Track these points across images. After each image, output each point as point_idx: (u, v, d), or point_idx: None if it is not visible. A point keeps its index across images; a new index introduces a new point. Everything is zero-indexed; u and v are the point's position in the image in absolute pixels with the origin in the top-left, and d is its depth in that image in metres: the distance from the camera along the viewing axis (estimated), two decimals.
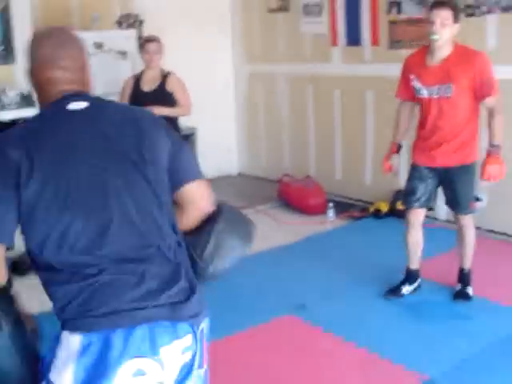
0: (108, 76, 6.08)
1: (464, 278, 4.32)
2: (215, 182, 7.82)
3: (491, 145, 3.90)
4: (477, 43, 5.30)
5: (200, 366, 1.91)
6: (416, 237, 4.31)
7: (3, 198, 1.75)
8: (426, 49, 4.04)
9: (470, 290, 4.29)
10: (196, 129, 7.19)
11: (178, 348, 1.81)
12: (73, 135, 1.85)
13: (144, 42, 5.46)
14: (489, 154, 3.91)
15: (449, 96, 3.93)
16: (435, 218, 5.81)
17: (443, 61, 3.93)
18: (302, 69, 7.14)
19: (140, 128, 1.91)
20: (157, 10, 7.22)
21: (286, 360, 3.66)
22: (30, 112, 5.78)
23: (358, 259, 5.10)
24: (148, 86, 5.37)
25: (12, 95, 5.71)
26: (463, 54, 3.91)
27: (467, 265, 4.31)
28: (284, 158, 7.63)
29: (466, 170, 4.09)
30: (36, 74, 2.02)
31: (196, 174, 2.05)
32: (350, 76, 6.57)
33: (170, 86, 5.37)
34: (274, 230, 6.08)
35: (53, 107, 1.92)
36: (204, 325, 1.98)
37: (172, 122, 5.39)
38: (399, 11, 5.90)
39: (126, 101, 5.38)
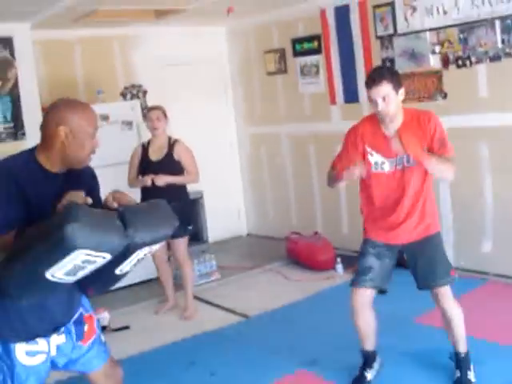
0: (115, 146, 6.24)
1: (462, 363, 3.86)
2: (224, 244, 7.94)
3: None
4: (469, 93, 5.49)
5: None
6: (366, 318, 3.88)
7: None
8: (375, 118, 3.67)
9: (471, 376, 3.82)
10: (203, 192, 7.33)
11: None
12: None
13: (147, 111, 5.62)
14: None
15: (409, 165, 3.61)
16: None
17: (399, 130, 3.60)
18: (303, 128, 7.31)
19: None
20: (159, 79, 7.48)
21: None
22: None
23: None
24: (156, 155, 5.42)
25: None
26: (415, 118, 3.62)
27: (462, 348, 3.86)
28: (291, 216, 7.73)
29: (433, 239, 3.77)
30: None
31: None
32: None
33: (177, 154, 5.41)
34: (284, 287, 6.15)
35: None
36: None
37: (180, 189, 5.50)
38: (392, 67, 6.09)
39: (134, 169, 5.49)
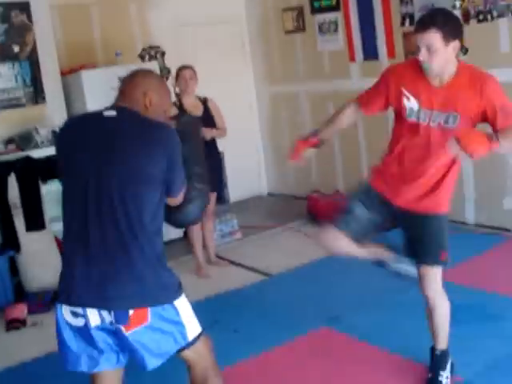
0: None
1: (436, 363, 3.46)
2: (245, 204, 7.99)
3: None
4: (490, 48, 5.42)
5: None
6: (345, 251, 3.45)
7: None
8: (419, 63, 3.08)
9: (444, 377, 3.42)
10: (223, 153, 7.34)
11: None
12: (91, 130, 2.62)
13: (179, 70, 5.60)
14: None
15: (451, 127, 3.05)
16: (463, 223, 5.88)
17: (447, 84, 3.07)
18: (323, 86, 7.27)
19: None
20: (177, 40, 7.45)
21: (323, 371, 3.75)
22: None
23: None
24: (195, 111, 5.49)
25: (44, 133, 5.92)
26: (470, 78, 3.05)
27: (440, 345, 3.44)
28: (312, 175, 7.74)
29: (436, 220, 3.27)
30: None
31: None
32: None
33: (211, 110, 5.61)
34: (305, 246, 6.18)
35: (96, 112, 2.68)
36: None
37: (214, 143, 5.68)
38: (412, 23, 6.01)
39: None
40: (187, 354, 2.68)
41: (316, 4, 7.08)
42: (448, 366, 3.45)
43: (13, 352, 4.54)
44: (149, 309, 2.49)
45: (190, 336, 2.65)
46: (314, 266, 5.57)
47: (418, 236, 3.31)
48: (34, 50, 6.08)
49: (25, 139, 5.82)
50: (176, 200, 2.77)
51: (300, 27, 7.39)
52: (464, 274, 4.81)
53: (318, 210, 6.82)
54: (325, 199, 6.91)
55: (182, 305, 2.66)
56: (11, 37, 5.96)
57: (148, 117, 2.64)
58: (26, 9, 6.00)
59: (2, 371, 4.21)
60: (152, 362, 2.57)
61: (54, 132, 5.98)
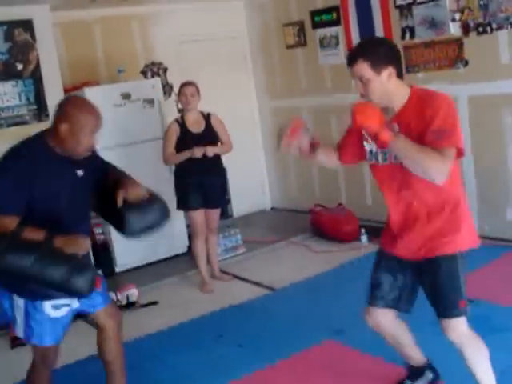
0: (137, 124, 6.33)
1: None
2: (249, 218, 8.00)
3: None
4: (490, 60, 5.45)
5: None
6: (392, 333, 3.34)
7: None
8: None
9: None
10: (226, 167, 7.36)
11: None
12: None
13: (181, 87, 5.60)
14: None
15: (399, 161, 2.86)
16: None
17: (397, 114, 2.86)
18: (324, 100, 7.30)
19: None
20: (179, 56, 7.51)
21: (328, 383, 3.76)
22: None
23: None
24: (195, 127, 5.53)
25: None
26: (416, 105, 2.81)
27: None
28: (315, 189, 7.75)
29: (446, 261, 2.98)
30: None
31: None
32: None
33: (214, 126, 5.62)
34: (309, 259, 6.20)
35: None
36: None
37: (220, 160, 5.73)
38: (412, 36, 6.05)
39: (172, 145, 5.52)
40: None
41: (317, 19, 7.12)
42: None
43: (18, 369, 4.52)
44: None
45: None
46: (317, 279, 5.58)
47: (429, 287, 3.07)
48: (37, 68, 6.12)
49: None
50: None
51: (301, 42, 7.43)
52: (468, 286, 4.79)
53: (321, 224, 6.84)
54: (328, 213, 6.93)
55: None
56: (15, 55, 6.01)
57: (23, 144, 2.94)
58: (29, 27, 6.05)
59: None
60: None
61: None
